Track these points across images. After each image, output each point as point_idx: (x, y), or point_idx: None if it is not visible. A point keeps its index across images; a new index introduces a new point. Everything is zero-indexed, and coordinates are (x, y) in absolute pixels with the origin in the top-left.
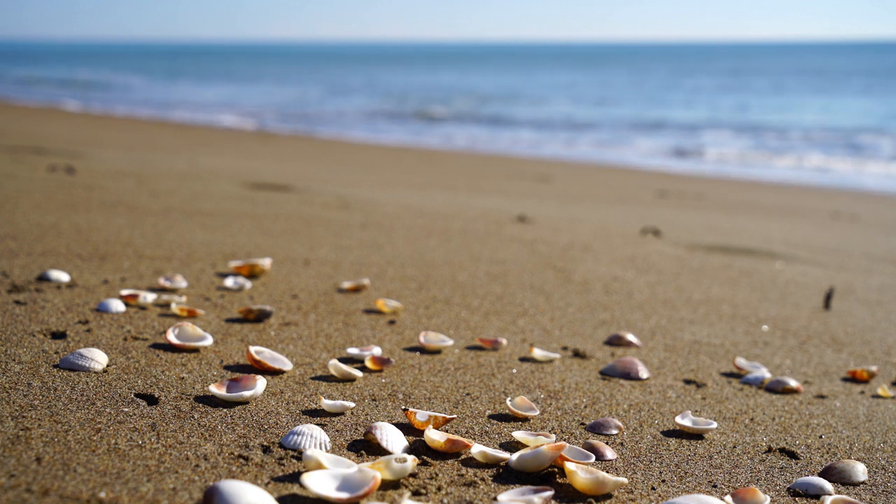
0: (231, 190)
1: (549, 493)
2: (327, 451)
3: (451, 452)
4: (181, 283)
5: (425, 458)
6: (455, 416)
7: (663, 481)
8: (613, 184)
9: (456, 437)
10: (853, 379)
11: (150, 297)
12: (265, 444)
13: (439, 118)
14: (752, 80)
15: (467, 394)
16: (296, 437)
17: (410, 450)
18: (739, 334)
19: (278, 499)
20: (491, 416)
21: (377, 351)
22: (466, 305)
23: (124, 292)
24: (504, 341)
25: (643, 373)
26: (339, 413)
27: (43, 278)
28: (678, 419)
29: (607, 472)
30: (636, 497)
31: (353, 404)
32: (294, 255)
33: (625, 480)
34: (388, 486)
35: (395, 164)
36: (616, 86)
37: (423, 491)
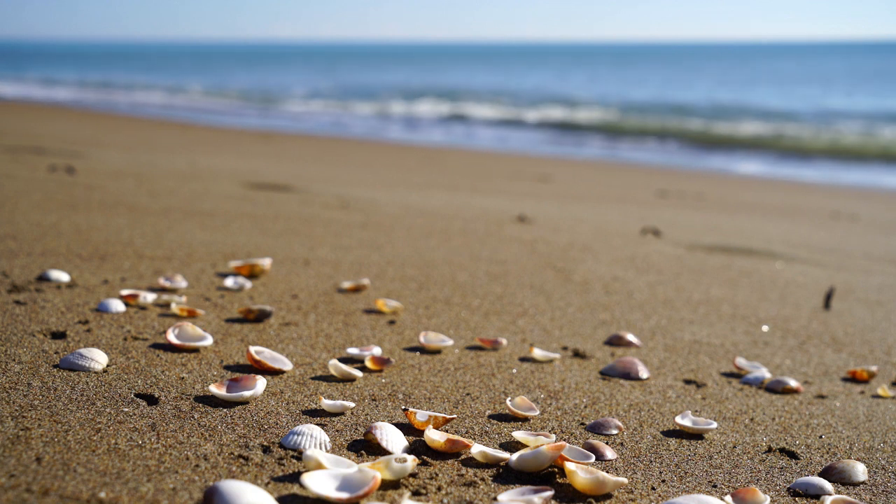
0: (231, 190)
1: (549, 493)
2: (327, 451)
3: (451, 452)
4: (181, 283)
5: (425, 458)
6: (455, 416)
7: (663, 481)
8: (613, 184)
9: (456, 437)
10: (853, 379)
11: (150, 297)
12: (265, 444)
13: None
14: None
15: (467, 394)
16: (296, 437)
17: (410, 450)
18: (739, 334)
19: (278, 499)
20: (491, 416)
21: (377, 351)
22: (466, 305)
23: (124, 292)
24: (504, 341)
25: (643, 373)
26: (339, 413)
27: (43, 278)
28: (678, 419)
29: (607, 472)
30: (636, 497)
31: (353, 404)
32: (294, 255)
33: (625, 480)
34: (388, 486)
35: (395, 164)
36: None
37: (423, 491)
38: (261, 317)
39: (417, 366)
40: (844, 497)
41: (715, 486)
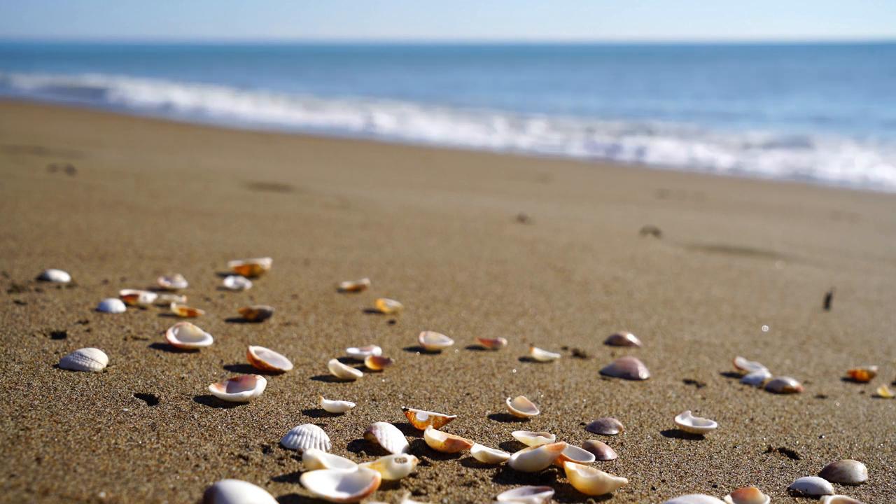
0: (231, 190)
1: (549, 493)
2: (327, 451)
3: (451, 452)
4: (181, 283)
5: (425, 458)
6: (455, 416)
7: (663, 481)
8: (613, 184)
9: (456, 437)
10: (853, 379)
11: (150, 297)
12: (265, 444)
13: None
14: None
15: (467, 394)
16: (296, 437)
17: (410, 450)
18: (739, 334)
19: (278, 499)
20: (491, 416)
21: (377, 351)
22: (466, 305)
23: (124, 292)
24: (504, 341)
25: (643, 373)
26: (339, 413)
27: (43, 278)
28: (678, 419)
29: (607, 472)
30: (636, 497)
31: (353, 404)
32: (294, 255)
33: (625, 480)
34: (388, 486)
35: (395, 164)
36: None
37: (423, 491)
38: (261, 317)
39: (417, 366)
40: (844, 497)
41: (715, 486)
